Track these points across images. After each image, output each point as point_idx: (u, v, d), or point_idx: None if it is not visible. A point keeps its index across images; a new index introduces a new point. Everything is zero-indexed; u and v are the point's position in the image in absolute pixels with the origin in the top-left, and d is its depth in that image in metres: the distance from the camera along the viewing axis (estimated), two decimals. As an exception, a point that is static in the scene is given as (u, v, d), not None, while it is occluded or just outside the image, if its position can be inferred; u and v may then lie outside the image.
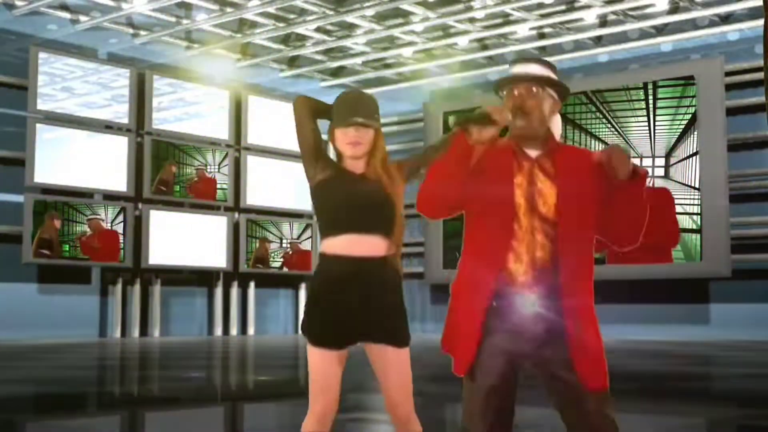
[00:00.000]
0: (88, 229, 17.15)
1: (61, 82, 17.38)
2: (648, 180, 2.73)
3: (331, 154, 3.22)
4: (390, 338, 2.96)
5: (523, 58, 2.72)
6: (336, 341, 2.93)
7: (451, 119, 2.64)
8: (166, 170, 18.34)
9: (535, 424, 5.24)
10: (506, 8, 16.84)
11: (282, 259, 20.04)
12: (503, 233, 2.56)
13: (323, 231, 3.01)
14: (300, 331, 3.05)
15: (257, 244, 19.63)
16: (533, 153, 2.64)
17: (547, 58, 19.30)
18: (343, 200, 2.97)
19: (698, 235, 16.53)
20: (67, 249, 16.83)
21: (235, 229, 19.30)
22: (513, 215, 2.56)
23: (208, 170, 19.08)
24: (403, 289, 3.03)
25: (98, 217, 17.35)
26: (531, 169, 2.61)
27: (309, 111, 3.20)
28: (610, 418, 2.55)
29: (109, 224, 17.44)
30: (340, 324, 2.92)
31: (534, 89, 2.64)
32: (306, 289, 3.24)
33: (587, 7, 16.80)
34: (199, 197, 18.93)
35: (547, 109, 2.66)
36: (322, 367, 2.93)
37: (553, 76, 2.68)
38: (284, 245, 20.13)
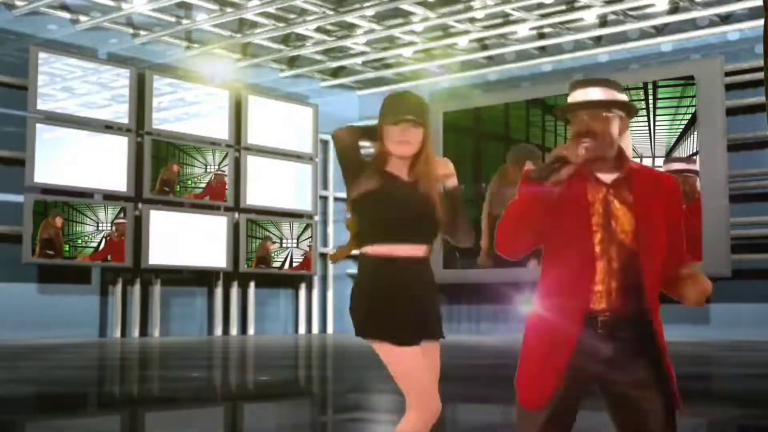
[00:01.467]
0: (115, 231, 17.34)
1: (61, 82, 17.38)
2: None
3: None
4: (441, 333, 3.03)
5: (581, 81, 2.64)
6: (413, 338, 2.92)
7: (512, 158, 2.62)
8: (168, 170, 18.35)
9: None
10: (506, 8, 16.85)
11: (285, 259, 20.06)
12: (584, 267, 2.52)
13: (367, 239, 2.98)
14: (359, 336, 2.98)
15: (258, 244, 19.63)
16: (607, 178, 2.57)
17: (545, 58, 19.21)
18: (391, 213, 2.94)
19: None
20: (67, 249, 16.84)
21: (235, 229, 19.30)
22: (592, 247, 2.52)
23: (208, 169, 19.08)
24: None
25: (124, 221, 17.50)
26: (606, 196, 2.56)
27: (353, 138, 3.07)
28: None
29: (108, 225, 17.46)
30: (414, 321, 2.93)
31: (600, 114, 2.57)
32: (353, 292, 3.19)
33: (587, 7, 16.80)
34: (214, 199, 19.02)
35: (615, 131, 2.58)
36: (414, 364, 2.90)
37: (617, 96, 2.60)
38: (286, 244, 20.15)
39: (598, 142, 2.55)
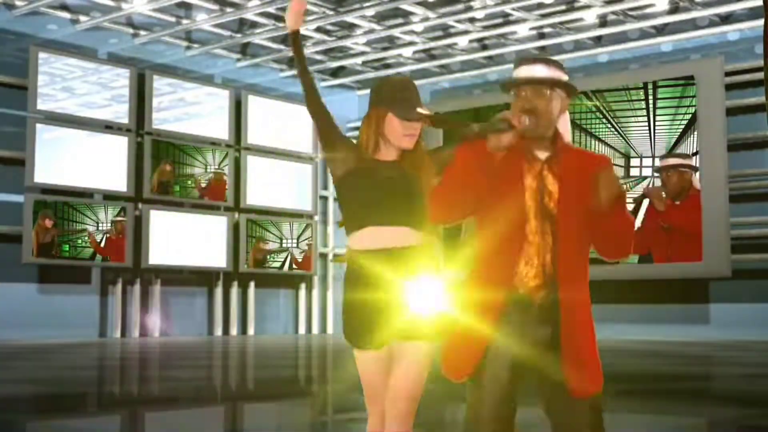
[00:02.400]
0: (114, 230, 17.33)
1: (61, 82, 17.38)
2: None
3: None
4: (424, 335, 2.80)
5: (527, 58, 2.66)
6: (369, 341, 2.85)
7: (475, 126, 2.62)
8: (162, 171, 18.25)
9: (535, 425, 5.23)
10: (506, 8, 16.84)
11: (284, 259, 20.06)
12: (515, 237, 2.54)
13: (351, 225, 2.84)
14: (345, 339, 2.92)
15: (254, 244, 19.59)
16: (542, 155, 2.60)
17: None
18: (373, 192, 2.79)
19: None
20: (67, 249, 16.83)
21: (235, 229, 19.30)
22: (524, 219, 2.54)
23: (208, 169, 19.07)
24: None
25: (123, 219, 17.48)
26: (540, 171, 2.58)
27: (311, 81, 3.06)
28: (596, 427, 2.54)
29: (108, 224, 17.46)
30: (375, 321, 2.80)
31: (543, 91, 2.59)
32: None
33: (587, 7, 16.80)
34: (214, 199, 19.00)
35: (556, 110, 2.61)
36: (363, 368, 2.88)
37: (561, 75, 2.63)
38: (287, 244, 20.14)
39: (539, 120, 2.56)
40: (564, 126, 2.68)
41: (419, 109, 2.83)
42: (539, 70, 2.60)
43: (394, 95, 2.84)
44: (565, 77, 2.64)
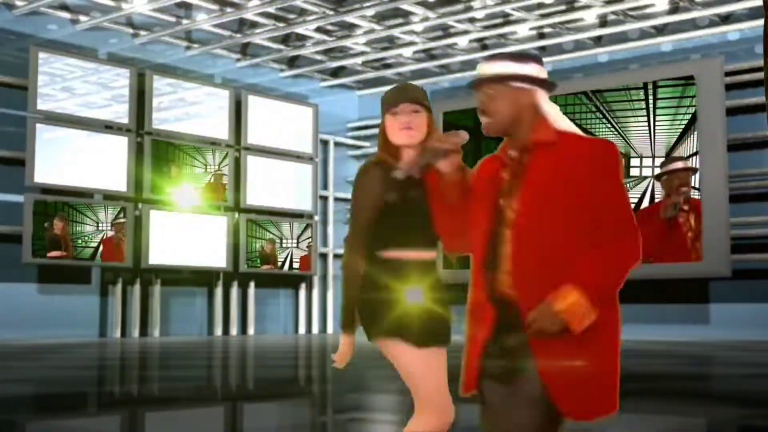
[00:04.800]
0: (111, 232, 17.32)
1: (61, 82, 17.38)
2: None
3: None
4: (449, 340, 3.01)
5: (488, 56, 2.52)
6: (427, 341, 2.90)
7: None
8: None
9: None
10: (506, 8, 16.85)
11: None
12: (490, 247, 2.39)
13: (378, 245, 2.90)
14: (370, 336, 2.92)
15: (263, 245, 19.61)
16: (515, 154, 2.44)
17: (545, 57, 19.12)
18: (404, 223, 2.88)
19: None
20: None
21: (235, 229, 19.30)
22: (497, 225, 2.38)
23: (208, 169, 19.07)
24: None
25: (123, 220, 17.47)
26: (514, 171, 2.42)
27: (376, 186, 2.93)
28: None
29: (108, 225, 17.46)
30: (427, 324, 2.92)
31: (486, 90, 2.44)
32: (360, 294, 3.16)
33: (587, 7, 16.80)
34: (214, 199, 19.00)
35: (514, 105, 2.42)
36: (428, 367, 2.89)
37: (514, 70, 2.42)
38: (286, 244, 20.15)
39: (490, 120, 2.45)
40: (551, 117, 2.45)
41: (404, 101, 2.86)
42: (489, 68, 2.45)
43: (387, 98, 2.93)
44: (514, 70, 2.42)
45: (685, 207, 16.58)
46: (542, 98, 2.46)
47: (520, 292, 2.32)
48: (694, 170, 16.68)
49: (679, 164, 16.84)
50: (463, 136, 2.49)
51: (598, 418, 2.31)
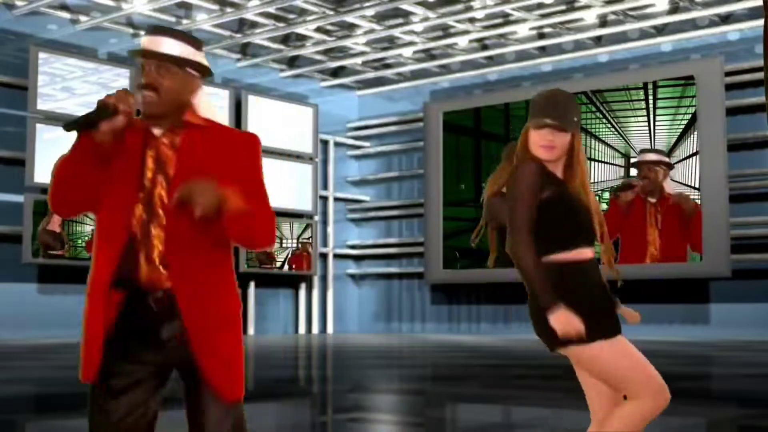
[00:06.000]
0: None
1: (61, 82, 17.39)
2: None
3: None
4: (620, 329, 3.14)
5: (156, 28, 2.46)
6: (618, 328, 3.08)
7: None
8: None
9: (533, 425, 5.23)
10: (506, 8, 16.85)
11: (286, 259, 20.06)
12: (125, 229, 2.34)
13: (550, 247, 2.87)
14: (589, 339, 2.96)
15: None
16: (160, 133, 2.42)
17: (545, 58, 19.12)
18: (574, 219, 2.89)
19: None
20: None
21: (235, 229, 19.27)
22: (135, 205, 2.35)
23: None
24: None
25: None
26: (157, 150, 2.39)
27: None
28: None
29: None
30: (614, 315, 3.15)
31: (170, 68, 2.41)
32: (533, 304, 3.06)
33: (587, 7, 16.80)
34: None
35: (185, 89, 2.44)
36: (633, 349, 3.03)
37: (194, 57, 2.45)
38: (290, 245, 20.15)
39: (156, 96, 2.40)
40: (202, 108, 2.51)
41: (548, 120, 2.80)
42: (170, 45, 2.41)
43: (533, 106, 2.88)
44: (198, 56, 2.47)
45: (651, 199, 16.65)
46: (202, 87, 2.55)
47: (176, 274, 2.34)
48: (669, 165, 16.71)
49: (653, 156, 16.91)
50: (131, 101, 2.38)
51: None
